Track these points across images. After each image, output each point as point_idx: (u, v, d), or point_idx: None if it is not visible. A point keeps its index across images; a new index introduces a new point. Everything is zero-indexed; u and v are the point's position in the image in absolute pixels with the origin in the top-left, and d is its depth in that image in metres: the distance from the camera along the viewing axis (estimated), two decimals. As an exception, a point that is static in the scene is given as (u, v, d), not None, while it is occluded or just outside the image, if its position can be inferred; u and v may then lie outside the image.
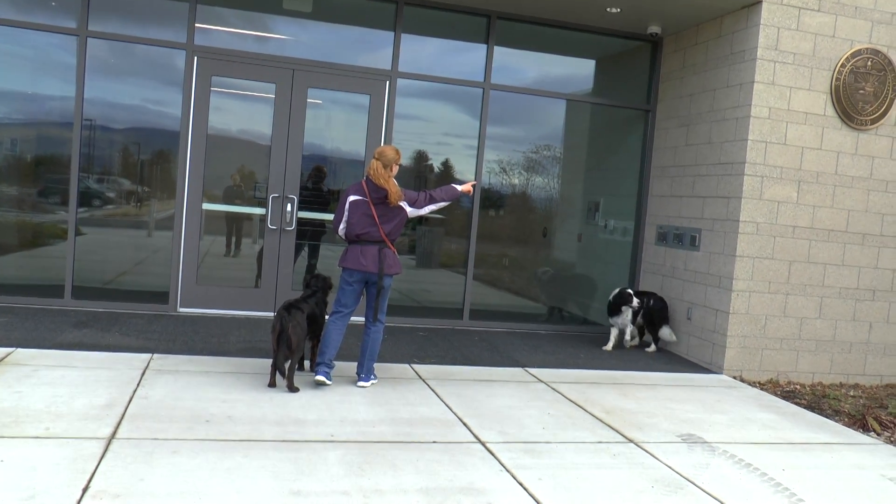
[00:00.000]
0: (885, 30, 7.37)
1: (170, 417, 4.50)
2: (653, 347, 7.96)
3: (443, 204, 5.74)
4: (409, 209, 5.60)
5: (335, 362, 5.66)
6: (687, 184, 8.03)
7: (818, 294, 7.41)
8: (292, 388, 5.26)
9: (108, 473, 3.60)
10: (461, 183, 5.90)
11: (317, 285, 5.83)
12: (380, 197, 5.48)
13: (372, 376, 5.72)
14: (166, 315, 7.55)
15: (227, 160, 7.95)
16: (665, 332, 7.91)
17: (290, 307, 5.35)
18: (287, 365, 5.26)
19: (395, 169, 5.58)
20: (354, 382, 5.65)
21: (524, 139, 8.72)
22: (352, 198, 5.54)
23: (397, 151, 5.60)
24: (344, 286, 5.62)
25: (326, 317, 5.77)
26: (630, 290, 7.79)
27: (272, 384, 5.34)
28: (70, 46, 7.34)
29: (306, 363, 5.90)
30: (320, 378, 5.44)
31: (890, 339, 7.69)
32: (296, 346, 5.27)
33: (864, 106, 7.35)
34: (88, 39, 7.34)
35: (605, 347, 7.86)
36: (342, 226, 5.62)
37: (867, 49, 7.31)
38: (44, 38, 7.33)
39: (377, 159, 5.50)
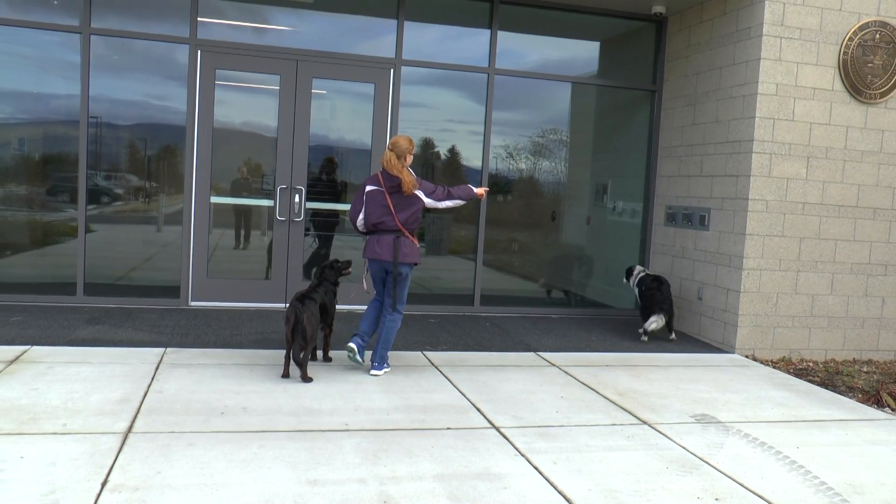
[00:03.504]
0: (893, 1, 7.28)
1: (185, 410, 4.53)
2: (644, 337, 7.54)
3: (459, 202, 5.82)
4: (426, 199, 5.65)
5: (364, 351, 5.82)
6: (695, 163, 7.99)
7: (830, 270, 7.38)
8: (306, 379, 5.29)
9: (125, 467, 3.64)
10: (475, 184, 5.91)
11: (326, 274, 5.85)
12: (394, 186, 5.54)
13: (385, 364, 5.74)
14: (178, 309, 7.59)
15: (234, 153, 7.96)
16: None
17: (303, 298, 5.37)
18: (302, 355, 5.29)
19: (409, 159, 5.65)
20: (368, 370, 5.68)
21: (530, 123, 8.69)
22: (368, 188, 5.65)
23: (411, 141, 5.66)
24: (371, 277, 5.79)
25: (336, 305, 5.80)
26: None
27: (286, 375, 5.37)
28: (73, 44, 7.35)
29: (318, 353, 5.93)
30: (350, 345, 5.65)
31: (903, 314, 7.66)
32: (311, 336, 5.30)
33: (872, 79, 7.28)
34: (92, 36, 7.35)
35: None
36: (361, 216, 5.68)
37: (875, 22, 7.24)
38: (47, 37, 7.34)
39: (391, 150, 5.57)
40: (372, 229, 5.64)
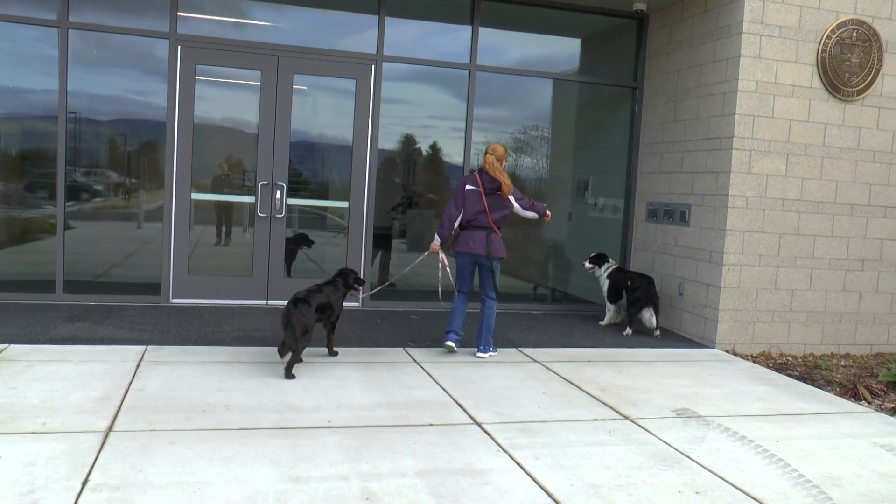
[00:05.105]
0: (869, 0, 7.36)
1: (166, 408, 4.50)
2: (628, 330, 7.61)
3: (535, 216, 6.39)
4: (515, 204, 6.26)
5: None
6: (676, 160, 8.04)
7: (808, 266, 7.46)
8: (289, 375, 5.30)
9: (106, 466, 3.61)
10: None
11: (342, 277, 6.01)
12: (493, 188, 6.13)
13: (490, 348, 6.34)
14: (159, 306, 7.54)
15: (215, 149, 7.91)
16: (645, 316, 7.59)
17: (297, 301, 5.49)
18: (290, 355, 5.38)
19: (504, 163, 6.29)
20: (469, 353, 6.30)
21: (512, 120, 8.71)
22: (468, 187, 6.19)
23: (506, 149, 6.35)
24: (459, 271, 6.33)
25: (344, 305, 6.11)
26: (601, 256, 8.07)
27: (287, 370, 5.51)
28: (51, 38, 7.26)
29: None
30: (449, 343, 6.24)
31: (879, 309, 7.76)
32: (300, 336, 5.36)
33: (850, 77, 7.36)
34: (70, 31, 7.26)
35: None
36: (460, 214, 6.18)
37: (852, 20, 7.31)
38: (24, 31, 7.25)
39: (491, 154, 6.18)
40: (465, 225, 6.20)
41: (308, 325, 5.45)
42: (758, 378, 6.26)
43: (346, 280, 6.01)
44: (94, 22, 7.36)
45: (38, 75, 7.33)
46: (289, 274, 8.09)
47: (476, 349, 6.37)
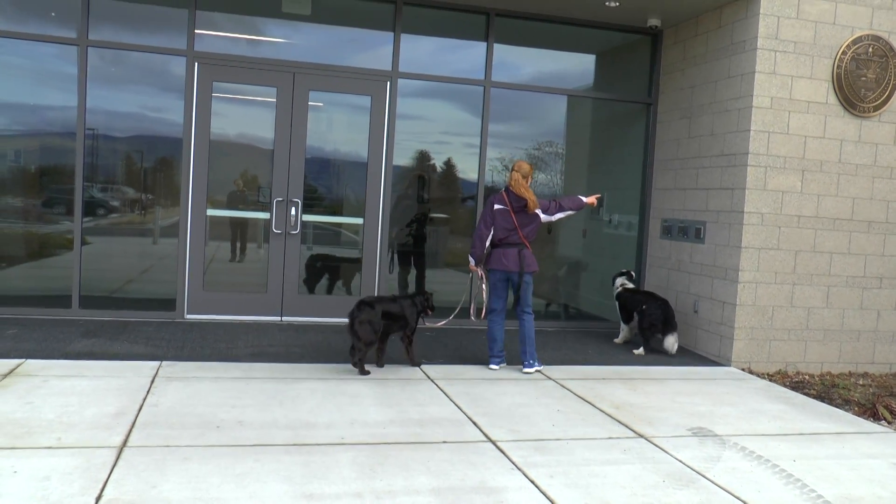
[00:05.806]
0: (885, 15, 7.34)
1: (180, 424, 4.51)
2: (640, 350, 7.49)
3: (570, 212, 6.54)
4: (542, 216, 6.37)
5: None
6: (690, 176, 8.01)
7: (825, 283, 7.39)
8: (363, 372, 5.94)
9: (120, 482, 3.62)
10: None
11: (419, 296, 6.32)
12: (520, 205, 6.25)
13: (536, 362, 6.37)
14: (174, 322, 7.57)
15: (231, 165, 7.97)
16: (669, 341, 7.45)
17: (361, 304, 5.96)
18: (358, 356, 5.93)
19: (530, 180, 6.36)
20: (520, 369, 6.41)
21: (526, 136, 8.72)
22: (496, 207, 6.32)
23: (532, 166, 6.42)
24: (492, 287, 6.43)
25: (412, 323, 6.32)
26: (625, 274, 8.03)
27: (358, 367, 6.00)
28: (70, 56, 7.36)
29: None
30: (492, 366, 6.43)
31: (898, 327, 7.67)
32: (365, 337, 5.87)
33: (866, 93, 7.32)
34: (89, 48, 7.36)
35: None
36: (491, 233, 6.31)
37: (868, 35, 7.29)
38: (44, 49, 7.36)
39: (517, 171, 6.28)
40: (497, 243, 6.32)
41: (372, 327, 5.86)
42: (774, 397, 6.20)
43: (425, 301, 6.30)
44: (113, 40, 7.45)
45: (58, 92, 7.42)
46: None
47: (522, 365, 6.40)
